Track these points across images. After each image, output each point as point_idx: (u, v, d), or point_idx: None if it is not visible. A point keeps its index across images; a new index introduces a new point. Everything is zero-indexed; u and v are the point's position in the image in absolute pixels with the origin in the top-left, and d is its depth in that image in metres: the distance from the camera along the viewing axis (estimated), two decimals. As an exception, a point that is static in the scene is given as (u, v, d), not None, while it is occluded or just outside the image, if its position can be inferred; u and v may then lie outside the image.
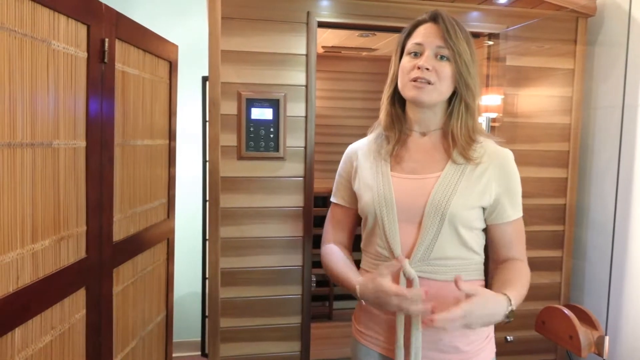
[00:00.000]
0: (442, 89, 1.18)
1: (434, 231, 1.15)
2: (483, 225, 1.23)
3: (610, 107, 2.08)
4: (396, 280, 1.16)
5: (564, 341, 1.73)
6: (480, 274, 1.24)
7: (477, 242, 1.22)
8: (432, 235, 1.15)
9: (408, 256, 1.17)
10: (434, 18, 1.19)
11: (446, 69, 1.16)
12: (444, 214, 1.14)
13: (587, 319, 1.74)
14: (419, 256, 1.16)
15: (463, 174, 1.18)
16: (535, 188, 2.11)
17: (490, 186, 1.18)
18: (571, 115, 2.12)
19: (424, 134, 1.25)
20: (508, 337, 2.10)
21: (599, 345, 1.66)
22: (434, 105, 1.21)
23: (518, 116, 2.10)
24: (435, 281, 1.16)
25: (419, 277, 1.15)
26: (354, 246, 1.45)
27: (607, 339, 1.65)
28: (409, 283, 1.16)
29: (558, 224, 2.15)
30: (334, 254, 1.33)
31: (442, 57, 1.16)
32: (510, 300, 1.07)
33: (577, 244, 2.19)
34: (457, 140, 1.20)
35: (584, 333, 1.67)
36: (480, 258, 1.24)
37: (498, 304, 1.05)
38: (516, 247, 1.23)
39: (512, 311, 1.07)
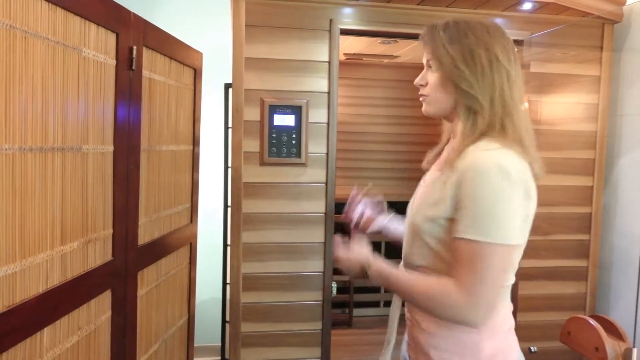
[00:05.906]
0: (437, 97, 1.15)
1: (409, 241, 1.17)
2: None
3: (638, 114, 2.04)
4: None
5: (589, 353, 1.69)
6: None
7: None
8: (409, 245, 1.17)
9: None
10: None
11: (431, 77, 1.15)
12: (411, 223, 1.15)
13: (613, 330, 1.70)
14: (404, 263, 1.19)
15: (433, 184, 1.14)
16: (560, 196, 2.08)
17: (446, 195, 1.05)
18: (597, 122, 2.09)
19: None
20: (532, 348, 2.07)
21: (626, 357, 1.62)
22: (445, 115, 1.19)
23: (542, 123, 2.07)
24: None
25: None
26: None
27: (635, 351, 1.61)
28: None
29: (583, 232, 2.11)
30: None
31: (429, 67, 1.16)
32: (370, 261, 1.16)
33: (603, 253, 2.14)
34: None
35: (610, 345, 1.63)
36: None
37: (361, 255, 1.18)
38: (457, 269, 1.02)
39: (364, 269, 1.15)
